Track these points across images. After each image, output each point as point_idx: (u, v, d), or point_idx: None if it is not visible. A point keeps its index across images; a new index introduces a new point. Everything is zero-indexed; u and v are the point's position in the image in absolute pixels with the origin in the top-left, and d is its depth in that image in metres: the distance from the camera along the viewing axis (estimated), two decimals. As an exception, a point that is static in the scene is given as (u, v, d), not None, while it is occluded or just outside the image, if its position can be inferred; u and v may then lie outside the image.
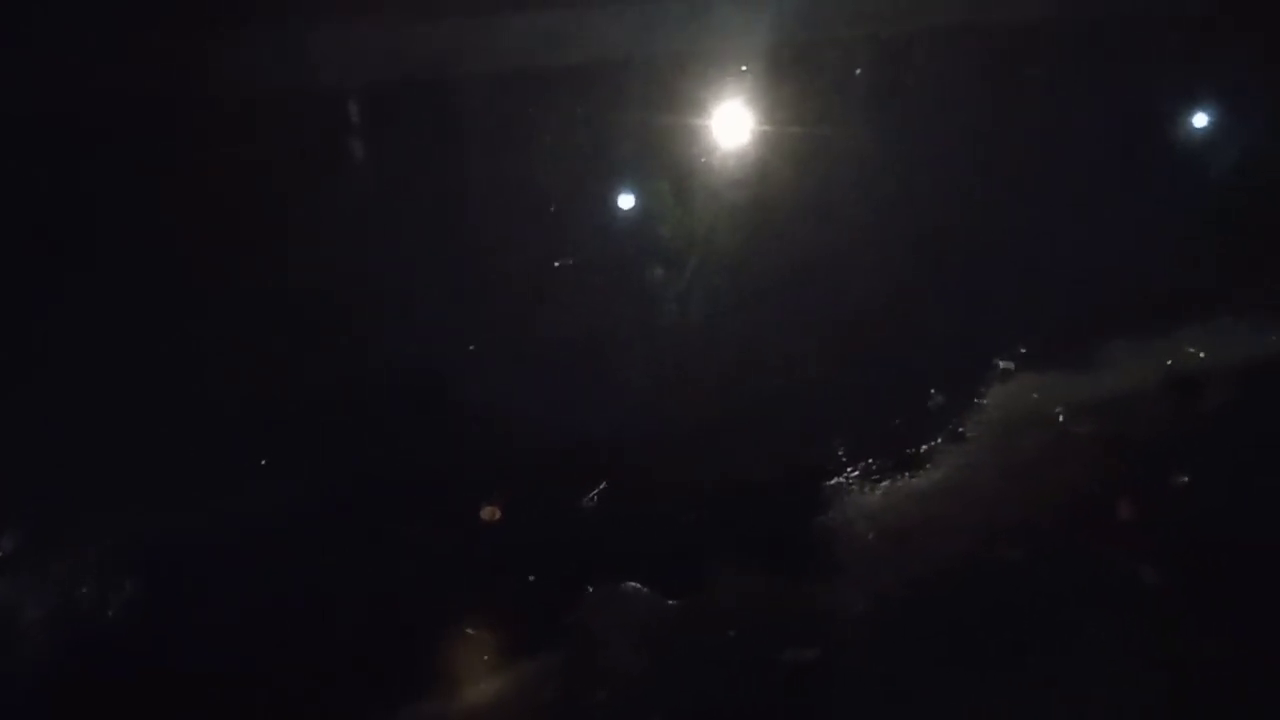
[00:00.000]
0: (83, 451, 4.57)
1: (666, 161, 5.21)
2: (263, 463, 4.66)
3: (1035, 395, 4.92)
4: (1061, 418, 4.86)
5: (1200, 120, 5.58)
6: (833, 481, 4.76)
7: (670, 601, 4.48)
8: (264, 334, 4.83)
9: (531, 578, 4.55)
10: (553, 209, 5.08)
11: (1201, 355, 4.98)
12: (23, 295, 4.71)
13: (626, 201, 5.21)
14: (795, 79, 5.32)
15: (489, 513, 4.66)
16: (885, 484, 4.75)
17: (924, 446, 4.83)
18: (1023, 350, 5.01)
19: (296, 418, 4.75)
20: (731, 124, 5.28)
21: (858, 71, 5.37)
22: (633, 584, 4.51)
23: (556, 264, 5.05)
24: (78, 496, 4.52)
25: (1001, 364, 5.00)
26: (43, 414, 4.59)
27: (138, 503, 4.51)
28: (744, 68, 5.30)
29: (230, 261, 4.83)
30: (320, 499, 4.62)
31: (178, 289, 4.78)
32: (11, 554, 4.42)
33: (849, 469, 4.78)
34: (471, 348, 4.92)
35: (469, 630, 4.47)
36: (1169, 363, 4.98)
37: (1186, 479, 4.66)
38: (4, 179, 4.75)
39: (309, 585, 4.46)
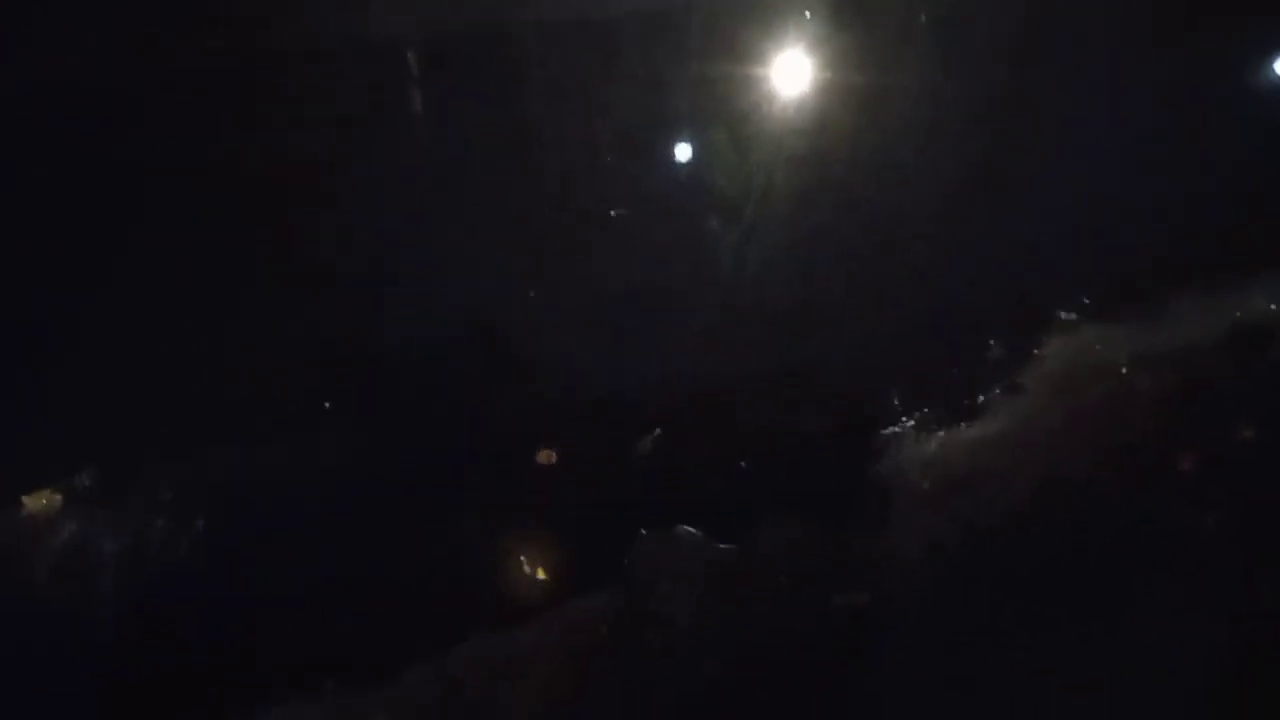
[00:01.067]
0: (155, 393, 4.72)
1: (724, 110, 5.18)
2: (326, 406, 4.78)
3: (1098, 347, 4.84)
4: (1124, 370, 4.77)
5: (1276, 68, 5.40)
6: (888, 431, 4.73)
7: (722, 546, 4.50)
8: (326, 282, 4.92)
9: (585, 521, 4.61)
10: (609, 158, 5.10)
11: (1271, 307, 4.85)
12: (95, 245, 4.86)
13: (683, 151, 5.20)
14: (856, 26, 5.27)
15: (545, 457, 4.72)
16: (941, 434, 4.70)
17: (981, 397, 4.77)
18: (1086, 302, 4.93)
19: (359, 365, 4.86)
20: (791, 72, 5.24)
21: (921, 18, 5.31)
22: (685, 528, 4.53)
23: (613, 213, 5.06)
24: (150, 437, 4.66)
25: (1064, 315, 4.91)
26: (118, 357, 4.73)
27: (206, 444, 4.65)
28: (806, 14, 5.26)
29: (294, 211, 4.93)
30: (381, 443, 4.72)
31: (244, 234, 4.88)
32: (87, 490, 4.58)
33: (904, 418, 4.75)
34: (530, 295, 4.97)
35: (523, 571, 4.54)
36: (1237, 314, 4.85)
37: (1251, 433, 4.55)
38: (76, 130, 4.89)
39: (368, 525, 4.56)
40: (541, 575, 4.51)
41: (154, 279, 4.85)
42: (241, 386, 4.75)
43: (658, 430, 4.76)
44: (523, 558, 4.54)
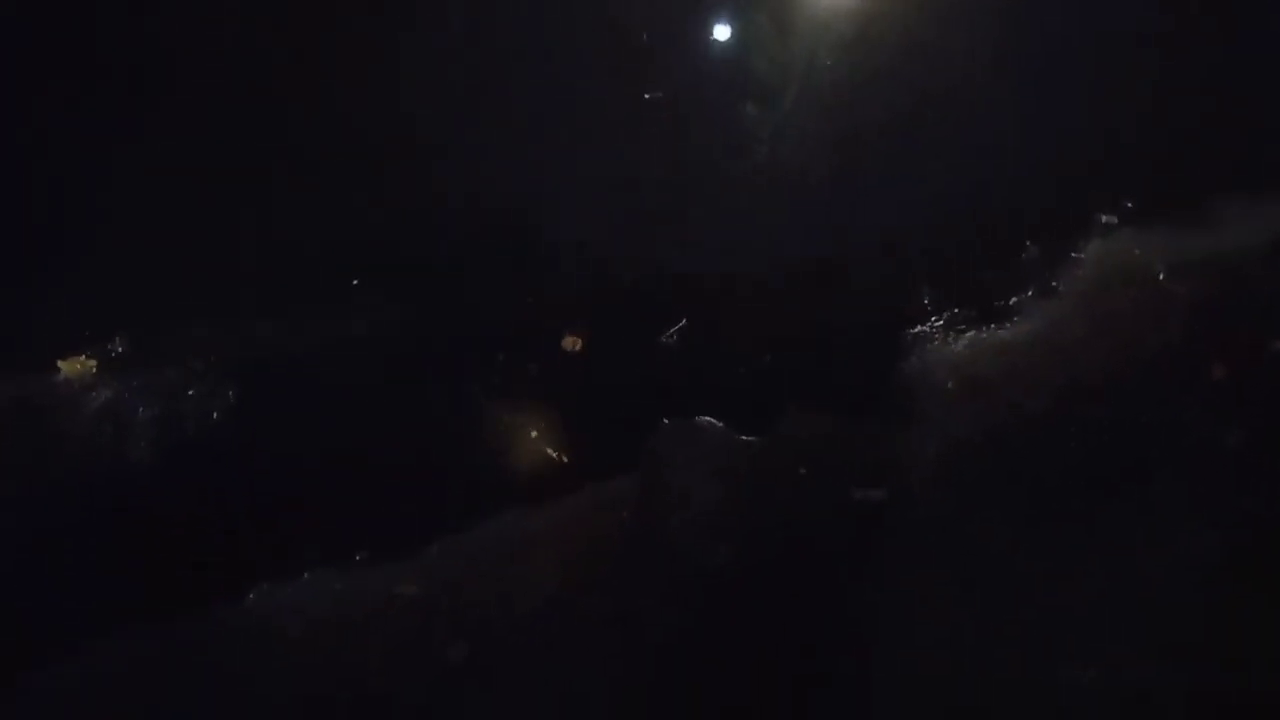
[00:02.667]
0: (189, 265, 4.77)
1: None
2: (356, 282, 4.79)
3: (1136, 251, 4.73)
4: (1161, 275, 4.67)
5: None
6: (917, 329, 4.70)
7: (743, 437, 4.53)
8: (361, 165, 4.90)
9: (609, 407, 4.66)
10: (645, 38, 4.96)
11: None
12: (136, 116, 4.86)
13: (723, 33, 5.04)
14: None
15: (570, 342, 4.73)
16: (970, 334, 4.65)
17: (1014, 298, 4.71)
18: (1128, 205, 4.80)
19: (390, 244, 4.87)
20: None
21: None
22: (707, 419, 4.55)
23: (647, 96, 4.95)
24: (184, 307, 4.74)
25: (1104, 218, 4.80)
26: (153, 227, 4.76)
27: (240, 316, 4.72)
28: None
29: (328, 95, 4.90)
30: (409, 322, 4.75)
31: (283, 110, 4.85)
32: (121, 356, 4.66)
33: (934, 318, 4.71)
34: (561, 178, 4.90)
35: (547, 453, 4.61)
36: (1281, 225, 4.72)
37: (1285, 345, 4.48)
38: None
39: (397, 401, 4.64)
40: (565, 458, 4.57)
41: (194, 151, 4.85)
42: (275, 261, 4.78)
43: (684, 320, 4.76)
44: (547, 440, 4.60)
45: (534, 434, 4.62)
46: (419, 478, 4.52)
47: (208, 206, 4.79)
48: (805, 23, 5.00)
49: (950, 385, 4.60)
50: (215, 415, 4.60)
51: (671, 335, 4.72)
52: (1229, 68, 4.92)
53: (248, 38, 4.90)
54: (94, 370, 4.62)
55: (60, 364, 4.61)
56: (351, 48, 4.90)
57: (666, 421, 4.58)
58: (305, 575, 4.30)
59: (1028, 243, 4.80)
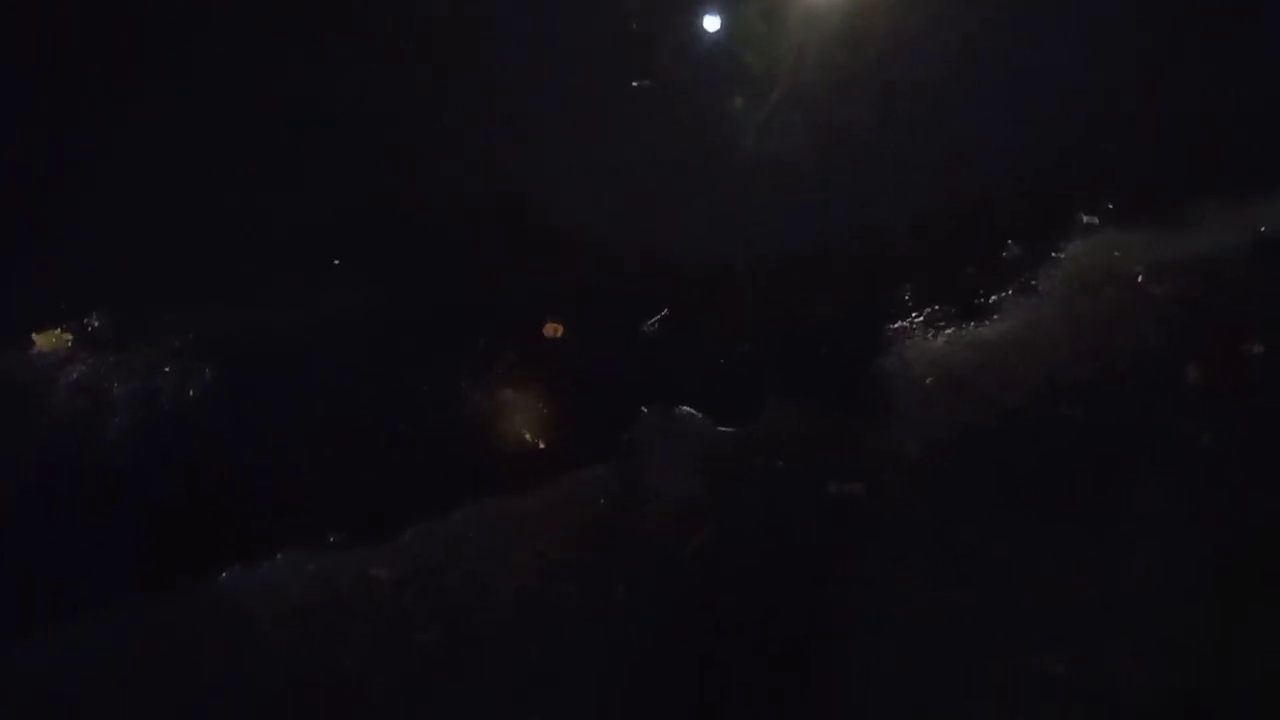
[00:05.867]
0: (168, 241, 4.75)
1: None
2: (336, 263, 4.76)
3: (1116, 253, 4.75)
4: (1140, 277, 4.70)
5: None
6: (896, 325, 4.70)
7: (721, 429, 4.53)
8: (342, 145, 4.88)
9: (588, 395, 4.64)
10: (635, 26, 4.96)
11: (1297, 221, 4.75)
12: (114, 86, 4.83)
13: (712, 22, 5.05)
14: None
15: (551, 329, 4.71)
16: (950, 331, 4.67)
17: (994, 296, 4.72)
18: (1109, 206, 4.82)
19: (370, 229, 4.84)
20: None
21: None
22: (686, 409, 4.55)
23: (635, 84, 4.94)
24: (162, 285, 4.71)
25: (1085, 218, 4.82)
26: (132, 202, 4.74)
27: (217, 296, 4.69)
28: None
29: (315, 66, 4.90)
30: (388, 303, 4.72)
31: (264, 95, 4.83)
32: (97, 331, 4.61)
33: (914, 314, 4.71)
34: (547, 165, 4.88)
35: (525, 439, 4.58)
36: (1261, 228, 4.74)
37: (1261, 348, 4.50)
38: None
39: (374, 383, 4.61)
40: (543, 445, 4.55)
41: (172, 126, 4.81)
42: (254, 242, 4.75)
43: (666, 310, 4.74)
44: (525, 426, 4.58)
45: (512, 420, 4.59)
46: (395, 461, 4.50)
47: (187, 186, 4.76)
48: (794, 15, 5.02)
49: (929, 381, 4.60)
50: (191, 394, 4.55)
51: (653, 324, 4.71)
52: (1213, 68, 4.95)
53: (227, 18, 4.88)
54: (69, 344, 4.56)
55: (35, 336, 4.55)
56: (339, 14, 4.88)
57: (646, 410, 4.57)
58: (278, 556, 4.27)
59: (1009, 241, 4.82)
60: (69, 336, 4.57)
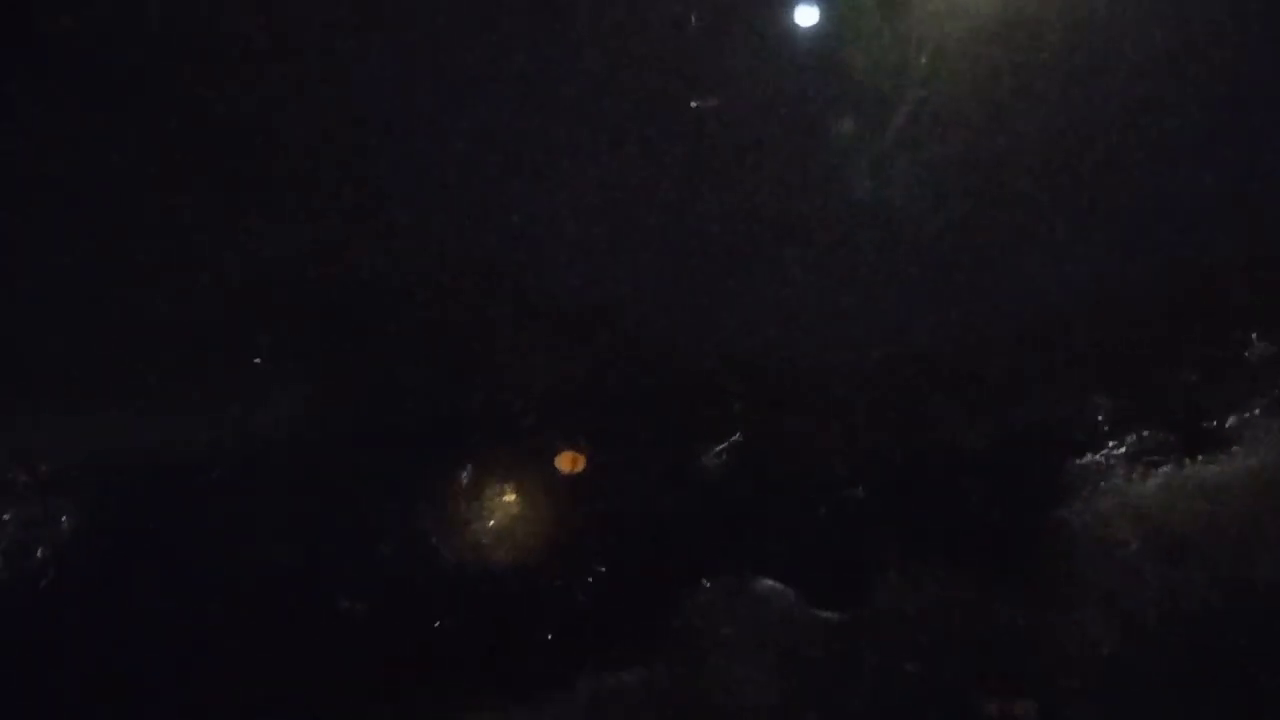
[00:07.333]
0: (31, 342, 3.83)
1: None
2: (256, 361, 3.81)
3: None
4: None
5: None
6: (1083, 459, 3.68)
7: (817, 612, 3.69)
8: (263, 193, 3.88)
9: (621, 558, 3.71)
10: (694, 20, 3.88)
11: None
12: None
13: (807, 15, 3.91)
14: None
15: (568, 461, 3.81)
16: (1165, 469, 3.69)
17: (1231, 419, 3.70)
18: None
19: (306, 311, 3.91)
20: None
21: None
22: (767, 581, 3.69)
23: (694, 104, 3.88)
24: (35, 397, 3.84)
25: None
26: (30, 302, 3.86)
27: (102, 409, 3.82)
28: None
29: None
30: (328, 420, 3.84)
31: (175, 149, 3.85)
32: None
33: (1111, 443, 3.71)
34: (573, 222, 3.87)
35: (525, 625, 3.57)
36: None
37: None
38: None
39: (303, 543, 3.70)
40: (551, 635, 3.64)
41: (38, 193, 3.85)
42: (146, 336, 3.82)
43: (737, 435, 3.72)
44: (525, 606, 3.66)
45: (505, 596, 3.69)
46: (330, 656, 3.61)
47: (54, 267, 3.85)
48: (927, 3, 3.90)
49: (1134, 547, 3.67)
50: (42, 553, 3.66)
51: (718, 455, 3.79)
52: None
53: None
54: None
55: None
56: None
57: (707, 584, 3.71)
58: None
59: (1251, 336, 3.74)
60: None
